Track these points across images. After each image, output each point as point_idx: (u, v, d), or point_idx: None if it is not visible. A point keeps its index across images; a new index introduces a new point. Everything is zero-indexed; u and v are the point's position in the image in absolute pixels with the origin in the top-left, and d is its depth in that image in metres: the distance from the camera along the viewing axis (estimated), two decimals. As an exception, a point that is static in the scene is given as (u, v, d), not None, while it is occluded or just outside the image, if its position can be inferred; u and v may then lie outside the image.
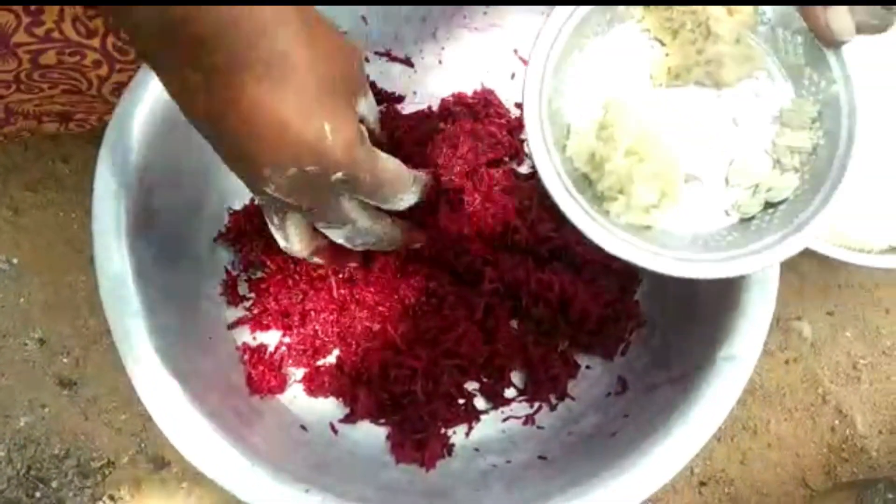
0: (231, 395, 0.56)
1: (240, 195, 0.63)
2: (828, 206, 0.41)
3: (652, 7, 0.44)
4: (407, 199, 0.52)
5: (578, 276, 0.61)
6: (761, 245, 0.41)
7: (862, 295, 0.81)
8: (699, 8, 0.43)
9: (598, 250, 0.41)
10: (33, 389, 0.75)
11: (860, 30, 0.41)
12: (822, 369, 0.78)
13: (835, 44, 0.42)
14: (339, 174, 0.42)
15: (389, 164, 0.48)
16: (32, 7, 0.52)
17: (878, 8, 0.41)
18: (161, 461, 0.73)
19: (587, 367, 0.62)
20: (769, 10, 0.43)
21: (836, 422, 0.77)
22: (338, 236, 0.51)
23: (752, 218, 0.44)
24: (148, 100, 0.53)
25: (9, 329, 0.76)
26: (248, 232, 0.61)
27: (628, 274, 0.62)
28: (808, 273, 0.80)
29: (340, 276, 0.60)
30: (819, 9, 0.41)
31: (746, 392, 0.51)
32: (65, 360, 0.76)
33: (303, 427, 0.58)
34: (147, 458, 0.73)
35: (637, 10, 0.45)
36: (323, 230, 0.50)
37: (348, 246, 0.52)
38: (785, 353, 0.78)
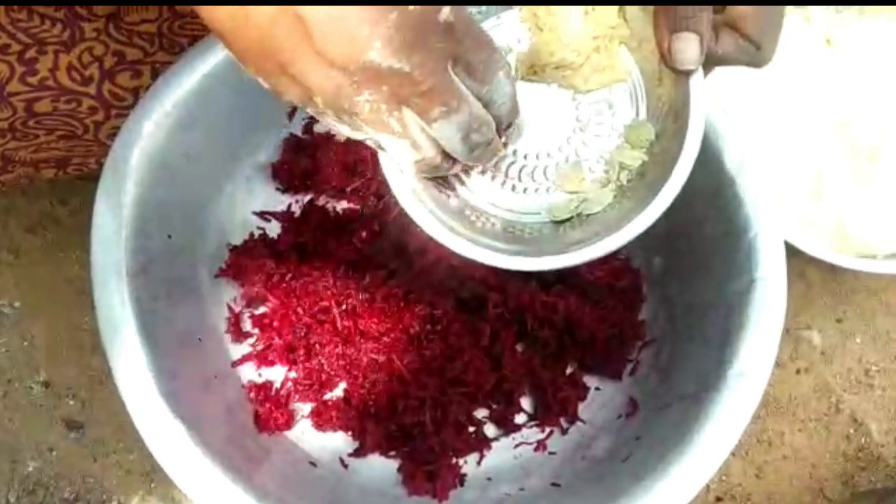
0: (238, 435, 0.56)
1: (239, 230, 0.63)
2: (631, 225, 0.40)
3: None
4: (504, 82, 0.39)
5: (583, 298, 0.60)
6: (563, 246, 0.41)
7: (870, 301, 0.80)
8: (557, 9, 0.42)
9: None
10: (40, 433, 0.74)
11: (722, 61, 0.39)
12: (833, 378, 0.77)
13: (678, 71, 0.39)
14: (445, 13, 0.35)
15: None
16: (27, 56, 0.52)
17: (747, 44, 0.39)
18: (171, 501, 0.72)
19: (596, 388, 0.61)
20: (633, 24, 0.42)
21: (851, 430, 0.76)
22: (453, 132, 0.38)
23: (564, 221, 0.43)
24: (141, 142, 0.53)
25: (13, 373, 0.76)
26: (248, 267, 0.61)
27: (633, 293, 0.62)
28: (814, 281, 0.80)
29: (343, 307, 0.60)
30: (666, 33, 0.39)
31: (759, 404, 0.50)
32: (71, 403, 0.75)
33: (312, 463, 0.58)
34: (158, 498, 0.72)
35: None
36: (436, 130, 0.38)
37: (460, 151, 0.40)
38: (795, 362, 0.77)
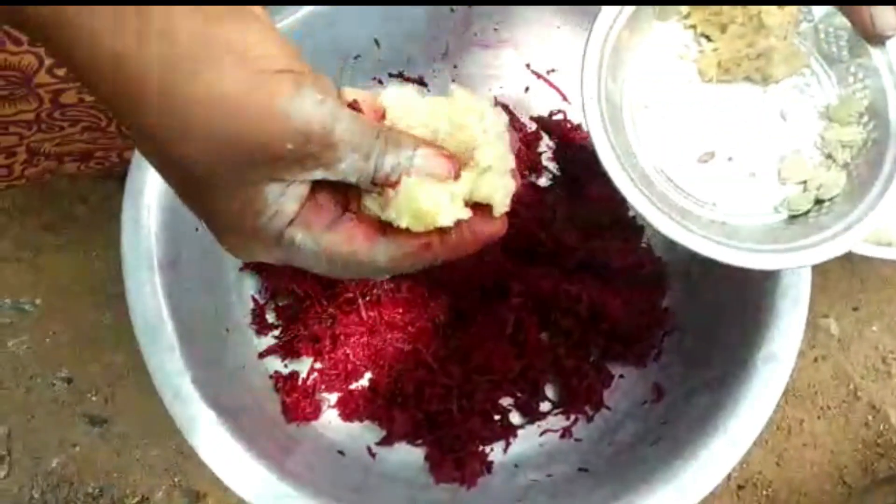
0: (268, 424, 0.56)
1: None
2: (883, 200, 0.41)
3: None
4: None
5: (606, 286, 0.61)
6: (817, 240, 0.41)
7: (886, 289, 0.80)
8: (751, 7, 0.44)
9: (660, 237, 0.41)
10: (63, 429, 0.75)
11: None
12: (851, 365, 0.78)
13: (879, 39, 0.42)
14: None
15: None
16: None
17: None
18: (196, 495, 0.73)
19: (621, 376, 0.61)
20: (813, 7, 0.44)
21: (870, 417, 0.76)
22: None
23: (807, 214, 0.43)
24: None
25: (36, 370, 0.76)
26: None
27: (657, 281, 0.62)
28: (830, 270, 0.80)
29: (368, 298, 0.60)
30: (863, 6, 0.41)
31: (779, 392, 0.51)
32: (93, 399, 0.75)
33: (340, 452, 0.58)
34: (182, 492, 0.73)
35: (682, 7, 0.45)
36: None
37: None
38: (814, 351, 0.78)
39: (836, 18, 0.43)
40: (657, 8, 0.44)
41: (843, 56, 0.44)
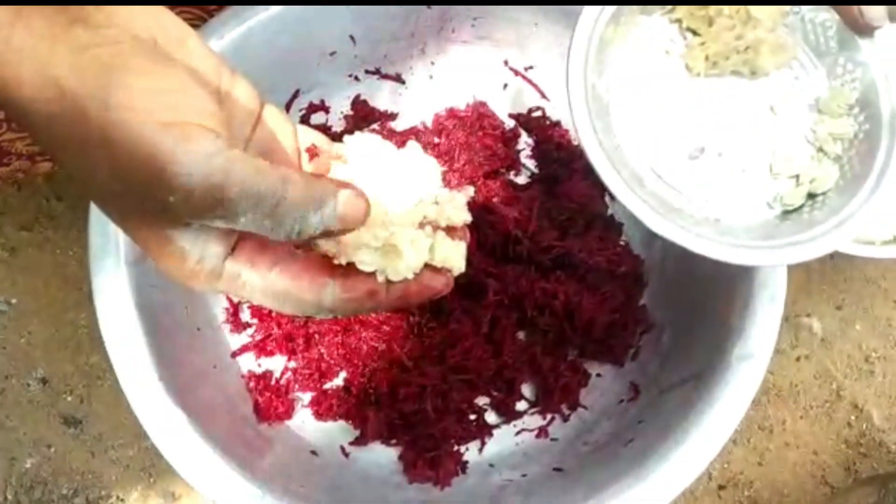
0: (239, 424, 0.55)
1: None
2: (876, 194, 0.41)
3: None
4: None
5: (583, 284, 0.60)
6: (810, 235, 0.41)
7: (869, 287, 0.80)
8: None
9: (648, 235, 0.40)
10: (38, 430, 0.74)
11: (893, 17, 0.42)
12: (834, 364, 0.77)
13: (868, 31, 0.42)
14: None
15: None
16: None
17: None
18: (171, 496, 0.72)
19: (598, 374, 0.61)
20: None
21: (853, 417, 0.76)
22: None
23: (800, 209, 0.43)
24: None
25: (11, 370, 0.75)
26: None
27: (634, 279, 0.62)
28: (813, 269, 0.79)
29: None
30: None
31: (760, 392, 0.50)
32: (69, 399, 0.75)
33: (313, 452, 0.57)
34: (157, 493, 0.72)
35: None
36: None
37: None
38: (796, 350, 0.77)
39: (822, 11, 0.43)
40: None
41: (831, 48, 0.43)
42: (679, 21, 0.45)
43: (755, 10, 0.43)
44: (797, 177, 0.43)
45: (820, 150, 0.44)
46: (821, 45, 0.44)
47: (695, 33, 0.45)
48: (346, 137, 0.38)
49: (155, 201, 0.30)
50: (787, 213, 0.43)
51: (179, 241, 0.32)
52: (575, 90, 0.40)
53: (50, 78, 0.28)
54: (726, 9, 0.43)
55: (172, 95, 0.30)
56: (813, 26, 0.44)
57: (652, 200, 0.40)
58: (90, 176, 0.31)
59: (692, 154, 0.43)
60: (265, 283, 0.34)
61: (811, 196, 0.43)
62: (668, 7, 0.44)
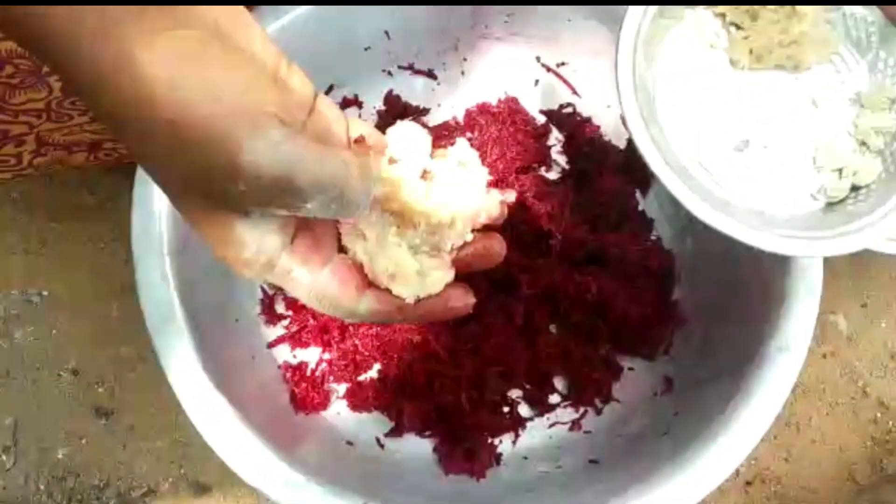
0: (277, 413, 0.56)
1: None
2: None
3: None
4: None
5: (616, 279, 0.60)
6: (856, 227, 0.41)
7: (894, 285, 0.80)
8: None
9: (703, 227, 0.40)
10: (70, 420, 0.74)
11: None
12: (860, 361, 0.77)
13: None
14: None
15: None
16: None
17: None
18: (201, 487, 0.72)
19: (630, 368, 0.61)
20: None
21: (879, 414, 0.76)
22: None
23: (844, 201, 0.43)
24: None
25: (42, 361, 0.76)
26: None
27: (666, 273, 0.62)
28: (839, 266, 0.80)
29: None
30: None
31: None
32: (100, 390, 0.75)
33: (349, 443, 0.58)
34: (187, 483, 0.73)
35: None
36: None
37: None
38: (822, 347, 0.77)
39: (864, 7, 0.43)
40: None
41: (872, 43, 0.44)
42: (723, 15, 0.45)
43: (804, 9, 0.43)
44: (840, 170, 0.44)
45: (862, 143, 0.44)
46: (862, 41, 0.44)
47: (738, 27, 0.45)
48: (389, 129, 0.39)
49: (221, 189, 0.31)
50: (830, 205, 0.43)
51: (239, 231, 0.33)
52: (624, 81, 0.41)
53: (124, 59, 0.29)
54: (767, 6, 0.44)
55: (241, 83, 0.31)
56: (855, 22, 0.44)
57: (699, 191, 0.40)
58: (155, 160, 0.31)
59: (738, 146, 0.44)
60: (313, 281, 0.36)
61: (854, 188, 0.43)
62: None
